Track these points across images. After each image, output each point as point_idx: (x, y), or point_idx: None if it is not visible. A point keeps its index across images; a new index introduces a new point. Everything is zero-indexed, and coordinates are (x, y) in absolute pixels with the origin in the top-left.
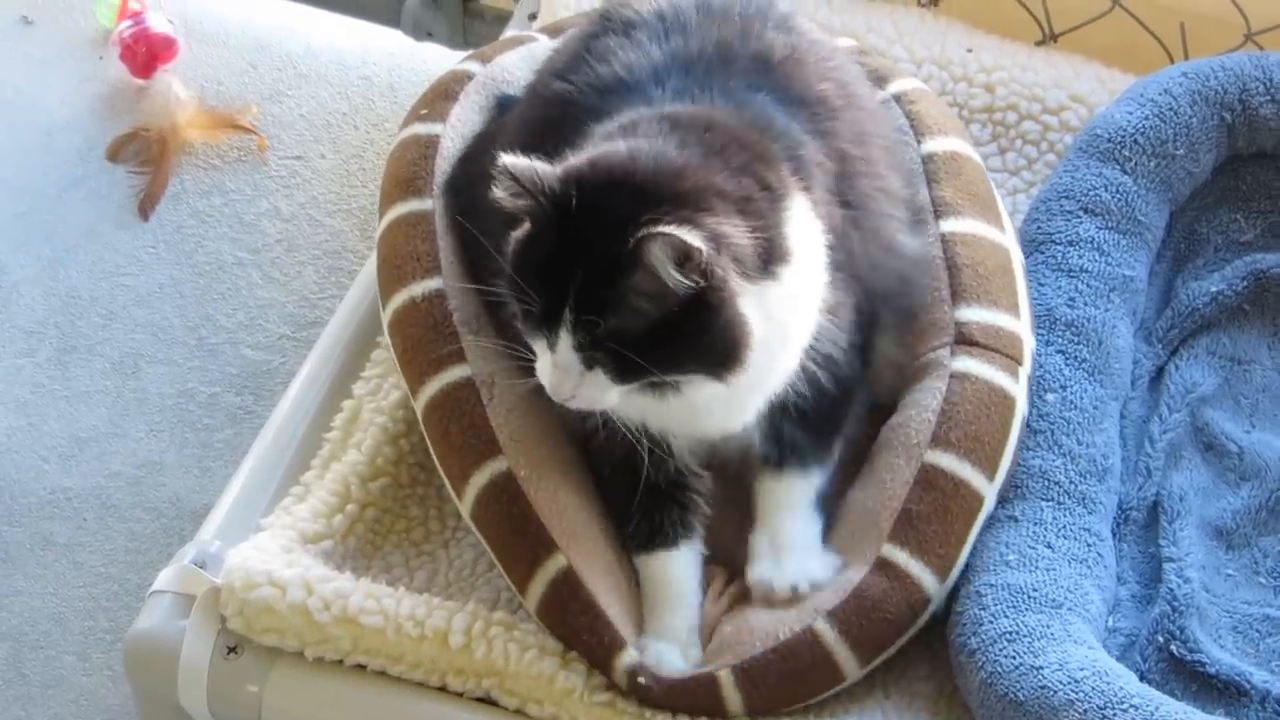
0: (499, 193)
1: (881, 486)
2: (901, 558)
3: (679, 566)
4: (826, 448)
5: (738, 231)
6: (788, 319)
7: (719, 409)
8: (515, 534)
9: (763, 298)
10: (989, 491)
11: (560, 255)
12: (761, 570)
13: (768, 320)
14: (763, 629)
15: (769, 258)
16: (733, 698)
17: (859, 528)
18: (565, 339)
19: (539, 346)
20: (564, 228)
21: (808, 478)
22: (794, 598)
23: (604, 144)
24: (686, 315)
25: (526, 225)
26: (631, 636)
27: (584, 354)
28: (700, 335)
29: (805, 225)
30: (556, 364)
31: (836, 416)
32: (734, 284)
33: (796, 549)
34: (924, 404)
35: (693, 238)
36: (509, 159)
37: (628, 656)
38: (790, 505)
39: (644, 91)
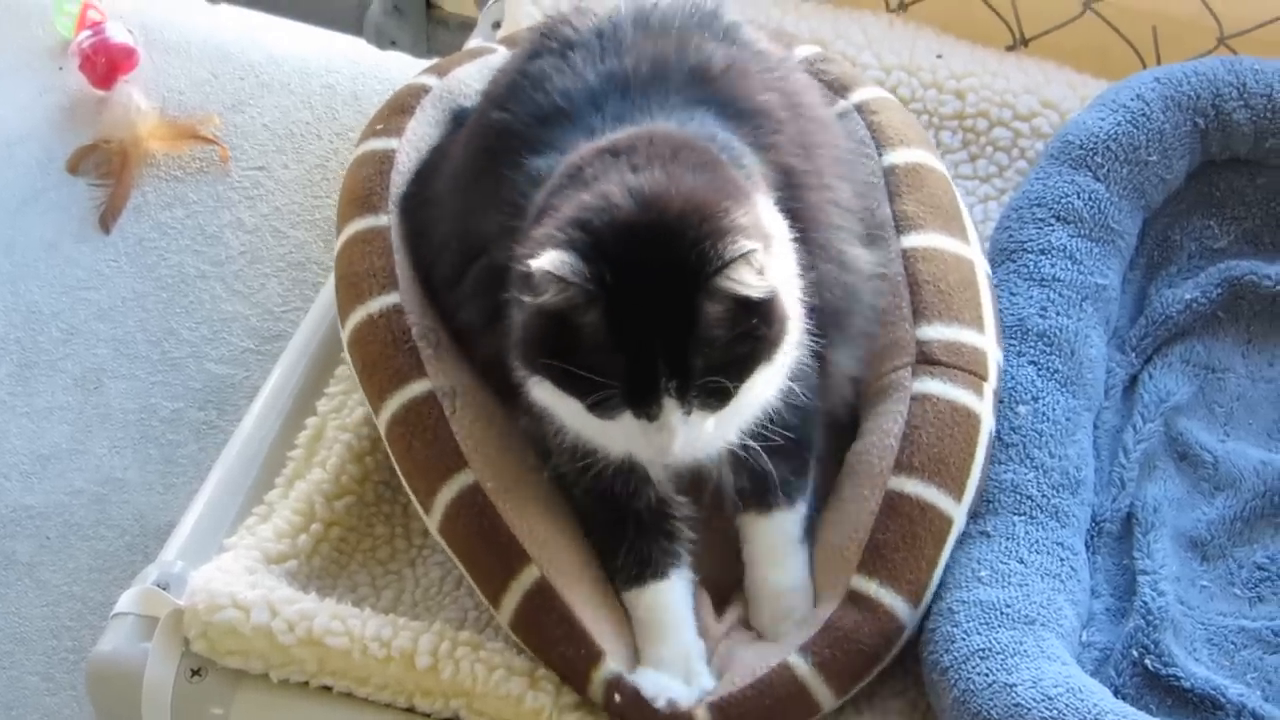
0: (548, 299)
1: (847, 517)
2: (872, 588)
3: (673, 595)
4: (805, 474)
5: (742, 215)
6: (788, 289)
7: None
8: (486, 547)
9: (774, 268)
10: (958, 512)
11: (625, 333)
12: (766, 620)
13: (784, 288)
14: (744, 664)
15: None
16: None
17: (827, 559)
18: (670, 405)
19: (622, 418)
20: (608, 306)
21: (796, 511)
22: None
23: (570, 199)
24: (753, 315)
25: (546, 315)
26: (609, 646)
27: (685, 408)
28: (765, 326)
29: (769, 213)
30: (663, 428)
31: (807, 438)
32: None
33: (791, 591)
34: (885, 429)
35: (747, 241)
36: (541, 264)
37: (605, 669)
38: (784, 545)
39: (583, 120)
